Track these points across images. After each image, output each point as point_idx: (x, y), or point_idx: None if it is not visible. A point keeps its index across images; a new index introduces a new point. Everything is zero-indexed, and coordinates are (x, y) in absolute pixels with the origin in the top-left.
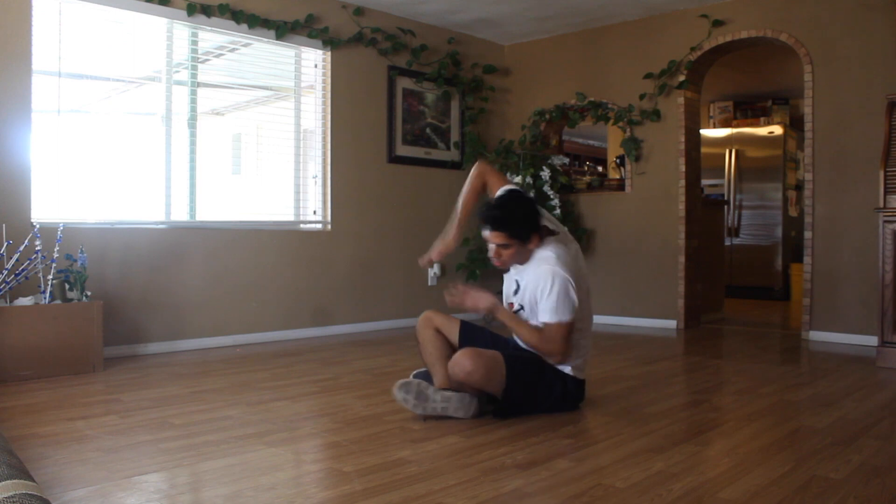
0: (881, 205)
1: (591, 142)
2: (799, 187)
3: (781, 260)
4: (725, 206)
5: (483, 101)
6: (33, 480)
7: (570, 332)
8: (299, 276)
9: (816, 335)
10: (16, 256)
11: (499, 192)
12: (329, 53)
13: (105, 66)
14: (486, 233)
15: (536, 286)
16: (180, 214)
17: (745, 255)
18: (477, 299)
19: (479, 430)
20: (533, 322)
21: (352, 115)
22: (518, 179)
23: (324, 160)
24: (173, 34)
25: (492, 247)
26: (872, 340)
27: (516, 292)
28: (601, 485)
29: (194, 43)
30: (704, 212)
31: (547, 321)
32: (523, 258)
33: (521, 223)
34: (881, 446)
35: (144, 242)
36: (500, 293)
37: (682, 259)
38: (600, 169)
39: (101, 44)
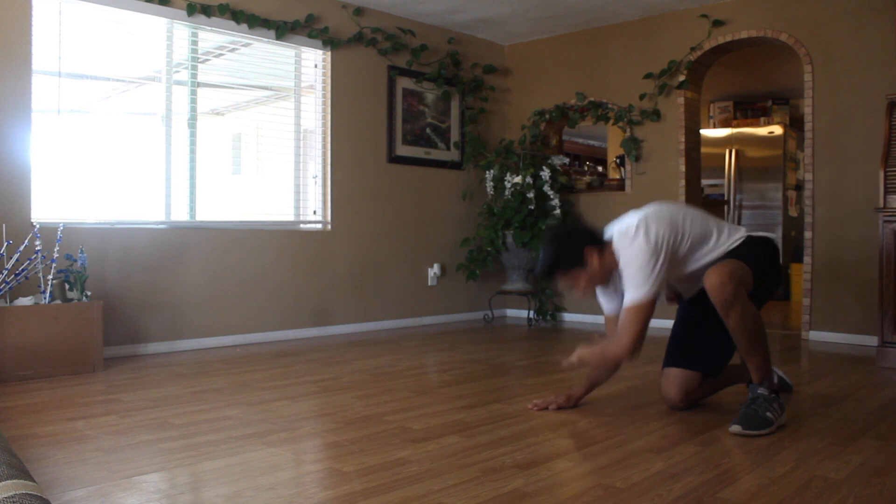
0: (881, 205)
1: (591, 142)
2: (799, 187)
3: (781, 260)
4: (725, 206)
5: (483, 101)
6: (33, 480)
7: (646, 314)
8: (299, 276)
9: (816, 335)
10: (16, 256)
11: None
12: (329, 53)
13: (105, 66)
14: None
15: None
16: (180, 214)
17: None
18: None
19: (479, 430)
20: None
21: (352, 115)
22: (518, 179)
23: (324, 160)
24: (173, 34)
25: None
26: (872, 340)
27: None
28: (601, 485)
29: (194, 43)
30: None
31: (625, 300)
32: (603, 277)
33: (561, 261)
34: (881, 446)
35: (144, 242)
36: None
37: None
38: (600, 169)
39: (101, 44)
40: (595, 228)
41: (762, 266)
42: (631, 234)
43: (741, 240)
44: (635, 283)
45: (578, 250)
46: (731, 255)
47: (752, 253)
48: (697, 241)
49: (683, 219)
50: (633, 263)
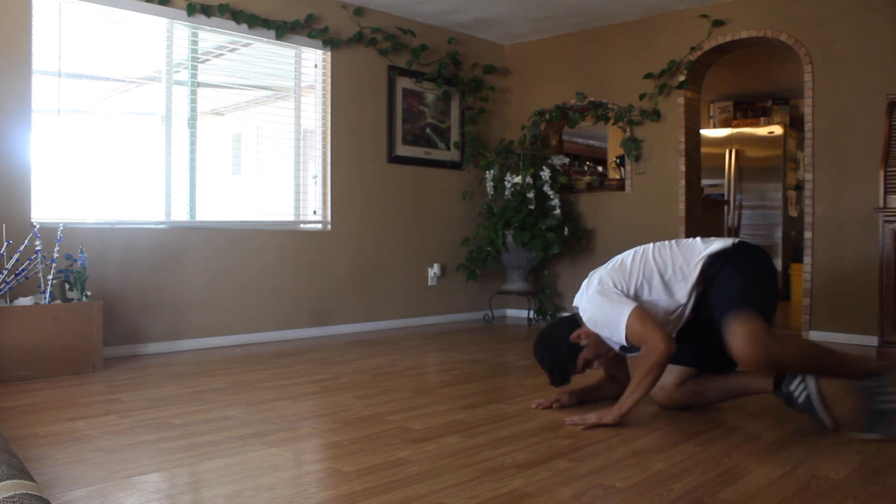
0: (881, 205)
1: (591, 142)
2: (799, 187)
3: (781, 260)
4: (725, 206)
5: (483, 101)
6: (33, 480)
7: (643, 315)
8: (299, 276)
9: (816, 335)
10: (16, 256)
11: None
12: (329, 53)
13: (105, 66)
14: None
15: (596, 323)
16: (180, 214)
17: None
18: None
19: (479, 430)
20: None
21: (352, 115)
22: (518, 179)
23: (324, 160)
24: (173, 34)
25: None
26: (872, 340)
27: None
28: (601, 485)
29: (194, 43)
30: (704, 212)
31: (621, 330)
32: (602, 346)
33: (563, 357)
34: (881, 446)
35: (144, 242)
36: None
37: None
38: (600, 169)
39: (101, 44)
40: (567, 317)
41: (757, 292)
42: (583, 291)
43: (702, 261)
44: (612, 313)
45: (566, 340)
46: (718, 286)
47: (739, 284)
48: (653, 272)
49: (632, 260)
50: (597, 308)
